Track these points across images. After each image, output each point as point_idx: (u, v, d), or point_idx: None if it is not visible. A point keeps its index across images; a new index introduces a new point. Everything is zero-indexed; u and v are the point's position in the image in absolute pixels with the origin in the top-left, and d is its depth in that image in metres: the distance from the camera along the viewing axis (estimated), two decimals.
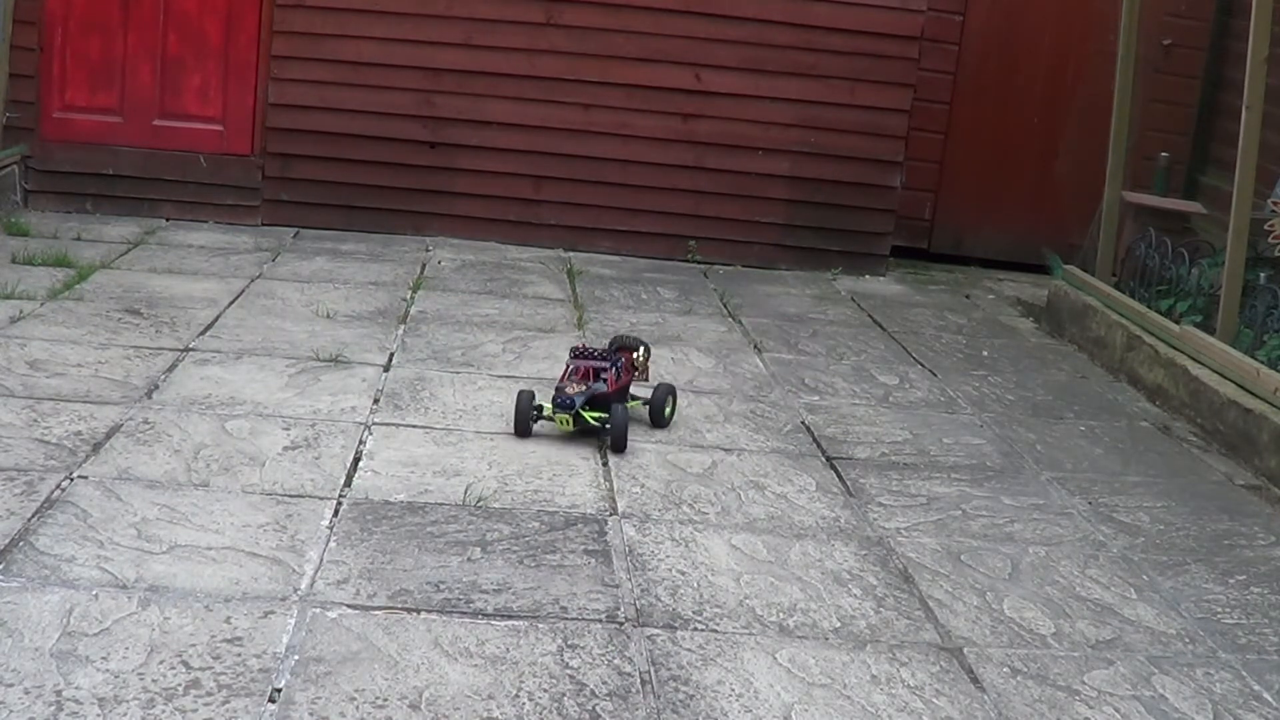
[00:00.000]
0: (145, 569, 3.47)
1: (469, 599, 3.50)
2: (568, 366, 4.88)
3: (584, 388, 4.73)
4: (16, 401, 4.58)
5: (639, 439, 4.82)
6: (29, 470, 4.01)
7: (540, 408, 4.76)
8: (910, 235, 8.78)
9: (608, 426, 4.68)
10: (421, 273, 7.13)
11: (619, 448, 4.65)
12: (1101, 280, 7.11)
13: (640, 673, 3.22)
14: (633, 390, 4.98)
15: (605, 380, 4.79)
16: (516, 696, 3.06)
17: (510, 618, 3.42)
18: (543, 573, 3.69)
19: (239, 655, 3.10)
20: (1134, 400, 6.10)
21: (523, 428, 4.73)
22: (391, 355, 5.59)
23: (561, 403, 4.68)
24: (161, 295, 6.12)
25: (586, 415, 4.69)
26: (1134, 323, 6.49)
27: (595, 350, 4.94)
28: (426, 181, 7.98)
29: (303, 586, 3.47)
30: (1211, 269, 6.49)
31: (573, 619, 3.45)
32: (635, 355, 4.95)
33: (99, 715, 2.82)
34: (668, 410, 4.98)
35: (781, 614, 3.60)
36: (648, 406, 4.97)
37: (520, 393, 4.79)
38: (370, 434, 4.65)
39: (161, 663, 3.04)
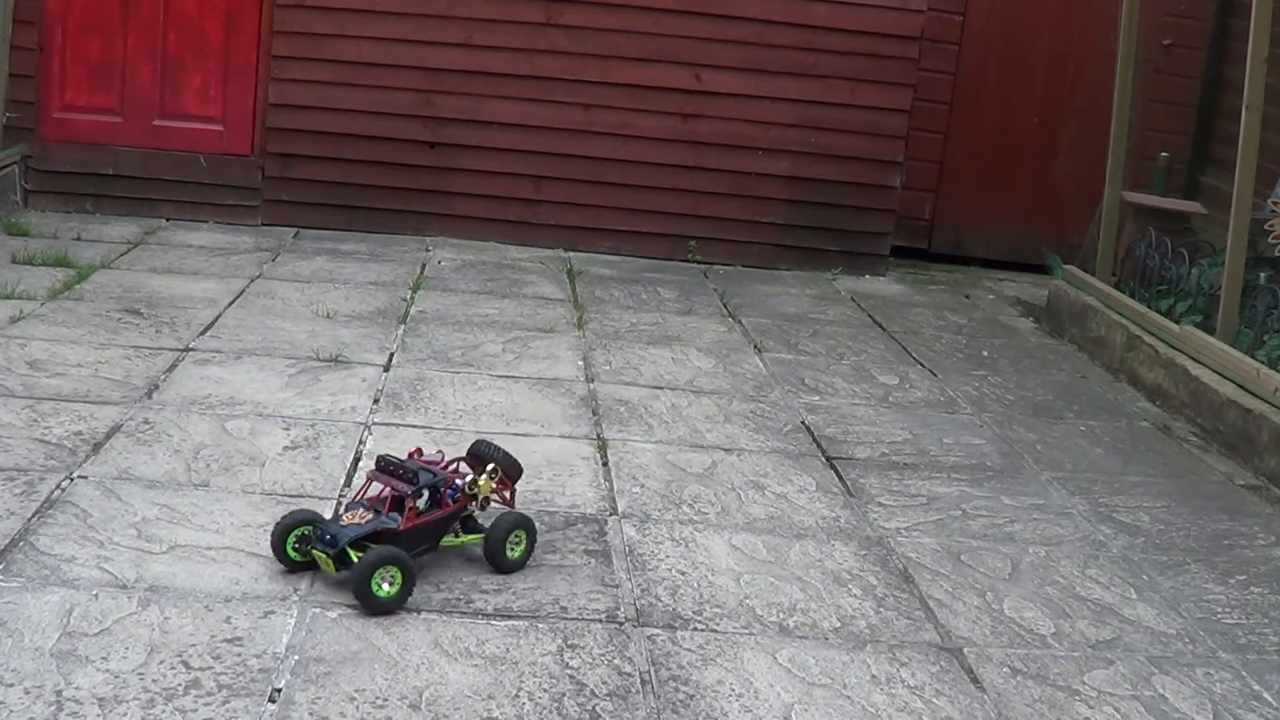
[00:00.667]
0: (145, 569, 3.47)
1: (469, 599, 3.50)
2: (368, 481, 3.71)
3: (369, 518, 3.52)
4: (16, 401, 4.58)
5: (638, 439, 4.83)
6: (29, 470, 4.01)
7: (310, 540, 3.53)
8: (910, 235, 8.78)
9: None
10: (421, 273, 7.13)
11: (366, 608, 3.36)
12: (1101, 280, 7.10)
13: (640, 673, 3.22)
14: (479, 519, 3.78)
15: (404, 511, 3.54)
16: (516, 696, 3.06)
17: (510, 618, 3.42)
18: (543, 573, 3.69)
19: (239, 655, 3.10)
20: (1134, 400, 6.10)
21: (281, 558, 3.55)
22: (391, 355, 5.59)
23: (321, 536, 3.47)
24: (161, 295, 6.12)
25: (354, 556, 3.43)
26: (1134, 323, 6.49)
27: (412, 464, 3.64)
28: (426, 181, 7.98)
29: (303, 586, 3.47)
30: (1211, 269, 6.49)
31: (573, 619, 3.45)
32: (476, 480, 3.70)
33: (99, 715, 2.82)
34: (511, 551, 3.67)
35: (781, 614, 3.60)
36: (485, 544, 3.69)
37: (289, 514, 3.58)
38: (370, 434, 4.65)
39: (161, 663, 3.04)
